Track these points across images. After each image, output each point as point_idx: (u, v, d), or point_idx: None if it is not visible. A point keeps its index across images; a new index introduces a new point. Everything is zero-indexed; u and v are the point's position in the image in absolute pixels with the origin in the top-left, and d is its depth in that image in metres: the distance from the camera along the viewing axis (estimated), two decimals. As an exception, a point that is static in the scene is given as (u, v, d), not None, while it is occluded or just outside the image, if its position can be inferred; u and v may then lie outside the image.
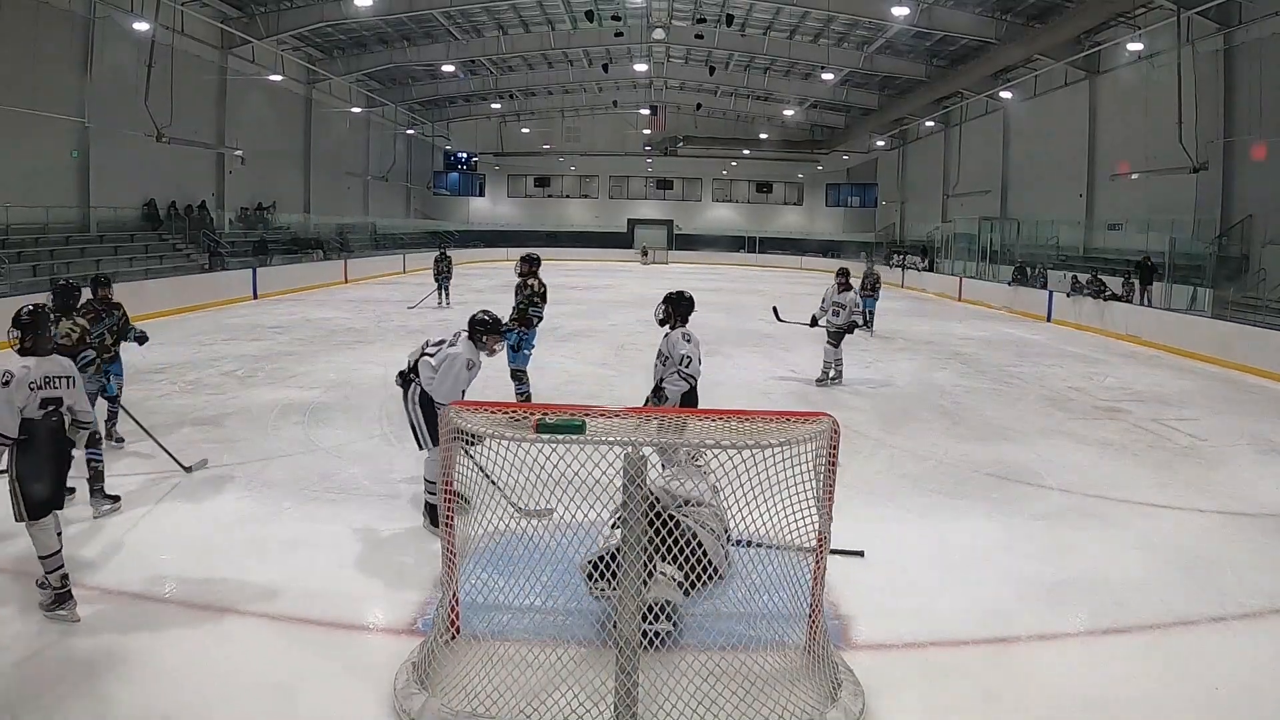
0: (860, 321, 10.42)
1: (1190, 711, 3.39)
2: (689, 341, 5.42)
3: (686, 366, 5.36)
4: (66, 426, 4.03)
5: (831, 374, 10.21)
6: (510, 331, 7.21)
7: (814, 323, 10.31)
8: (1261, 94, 16.04)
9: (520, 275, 7.82)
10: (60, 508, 3.99)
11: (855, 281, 11.36)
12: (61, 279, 6.03)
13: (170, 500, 5.52)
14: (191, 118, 20.06)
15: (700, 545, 3.77)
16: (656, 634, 3.40)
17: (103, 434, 6.31)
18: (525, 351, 7.70)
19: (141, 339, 6.69)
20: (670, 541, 3.36)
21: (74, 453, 4.25)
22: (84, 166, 18.03)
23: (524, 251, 8.22)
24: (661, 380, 5.43)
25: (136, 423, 6.25)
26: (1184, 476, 6.66)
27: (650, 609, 3.48)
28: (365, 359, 11.21)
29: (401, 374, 5.22)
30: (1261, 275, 15.57)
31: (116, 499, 5.26)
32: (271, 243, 24.21)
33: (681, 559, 3.55)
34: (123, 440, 6.71)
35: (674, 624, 3.61)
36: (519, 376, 7.67)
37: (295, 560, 4.59)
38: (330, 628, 3.88)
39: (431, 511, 4.65)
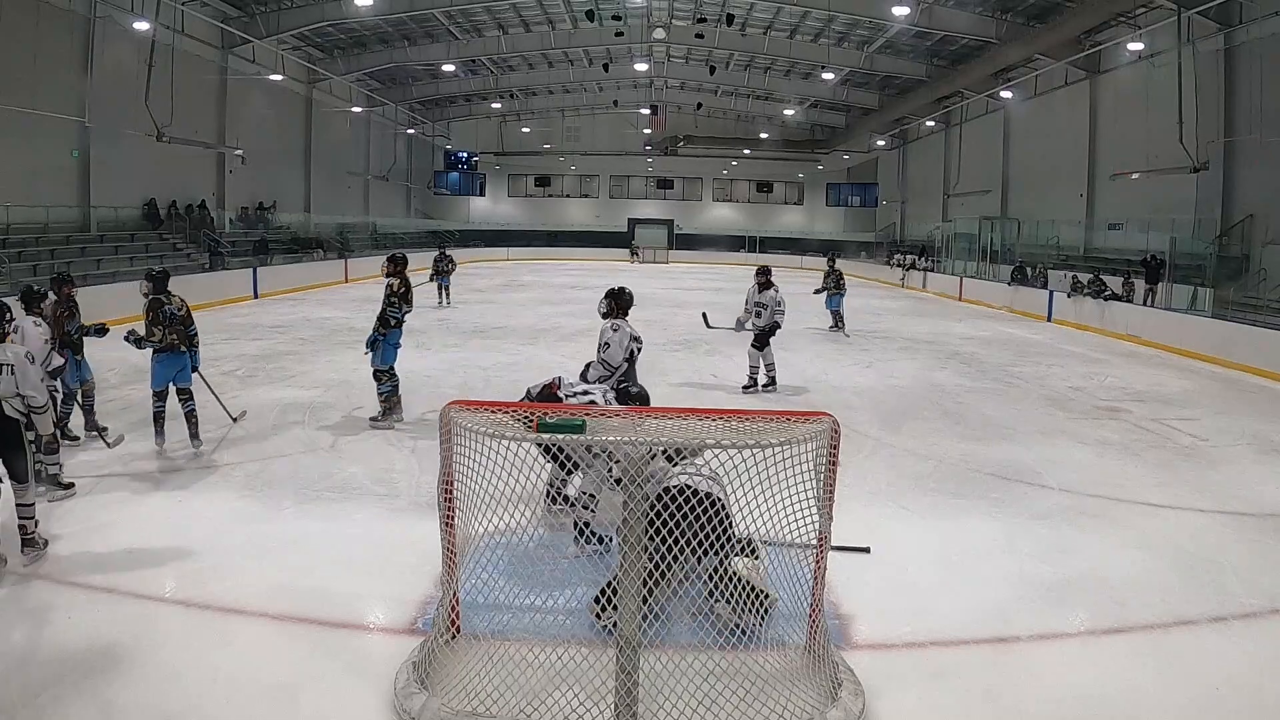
0: (780, 323, 9.60)
1: (1190, 711, 3.39)
2: (615, 331, 5.93)
3: (604, 352, 5.84)
4: (5, 411, 4.34)
5: (762, 380, 9.57)
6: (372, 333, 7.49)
7: (740, 326, 9.84)
8: (1262, 94, 16.04)
9: (385, 275, 7.84)
10: None
11: (784, 279, 10.63)
12: (157, 268, 7.04)
13: (170, 500, 5.52)
14: (192, 117, 20.07)
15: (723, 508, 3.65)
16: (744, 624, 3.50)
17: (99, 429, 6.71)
18: (388, 350, 7.59)
19: (101, 332, 6.92)
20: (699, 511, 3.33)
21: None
22: (84, 166, 18.04)
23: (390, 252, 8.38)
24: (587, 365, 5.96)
25: (201, 378, 6.99)
26: (1184, 476, 6.66)
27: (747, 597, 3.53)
28: (366, 358, 11.18)
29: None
30: (1262, 275, 15.57)
31: (201, 440, 6.66)
32: (272, 242, 24.22)
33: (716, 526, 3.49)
34: (106, 429, 6.83)
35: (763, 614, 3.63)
36: (378, 376, 7.60)
37: (295, 560, 4.59)
38: (330, 627, 3.87)
39: (584, 529, 4.34)
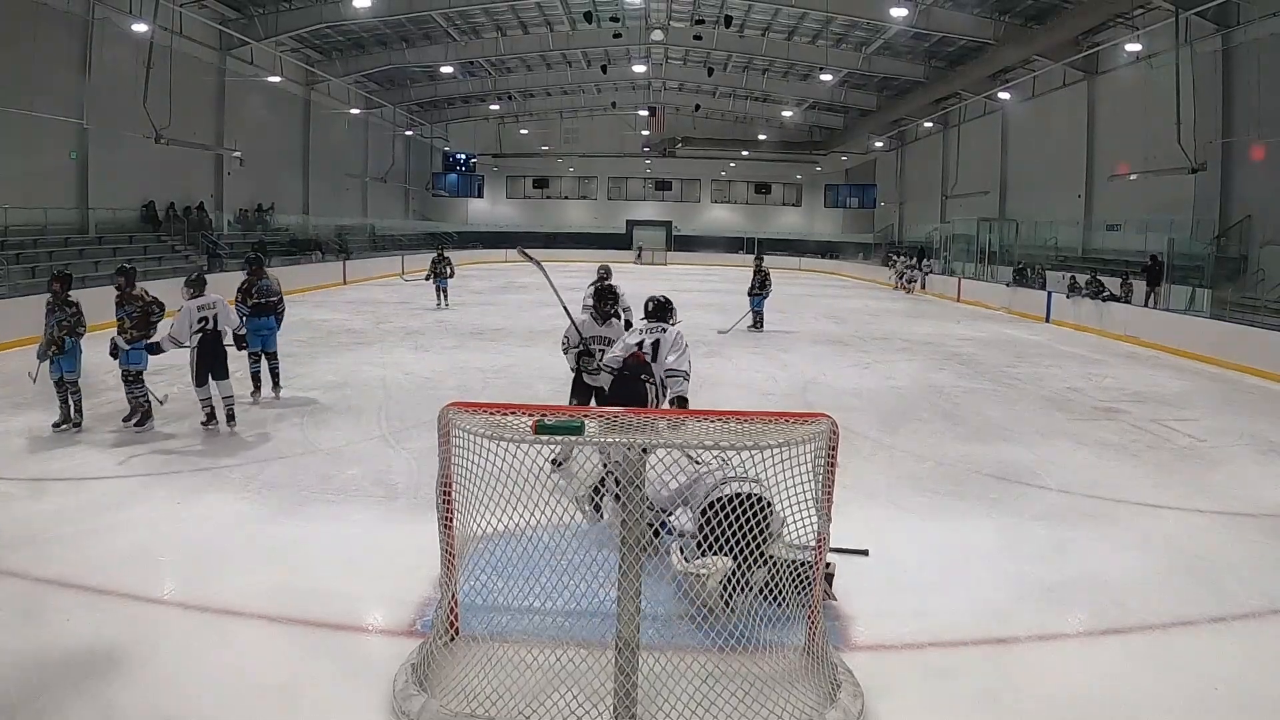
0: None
1: (1189, 711, 3.39)
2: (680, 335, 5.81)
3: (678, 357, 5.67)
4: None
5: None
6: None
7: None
8: (1260, 94, 16.06)
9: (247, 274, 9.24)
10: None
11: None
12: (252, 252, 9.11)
13: (169, 501, 5.51)
14: (190, 119, 20.04)
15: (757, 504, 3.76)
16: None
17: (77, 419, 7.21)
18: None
19: (71, 349, 7.15)
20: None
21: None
22: (83, 168, 18.02)
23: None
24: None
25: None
26: (1183, 477, 6.66)
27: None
28: (364, 360, 11.21)
29: (627, 376, 5.22)
30: (1260, 275, 15.58)
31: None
32: (270, 244, 24.19)
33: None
34: (80, 425, 7.11)
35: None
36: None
37: (295, 561, 4.59)
38: (329, 629, 3.87)
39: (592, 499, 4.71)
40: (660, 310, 5.66)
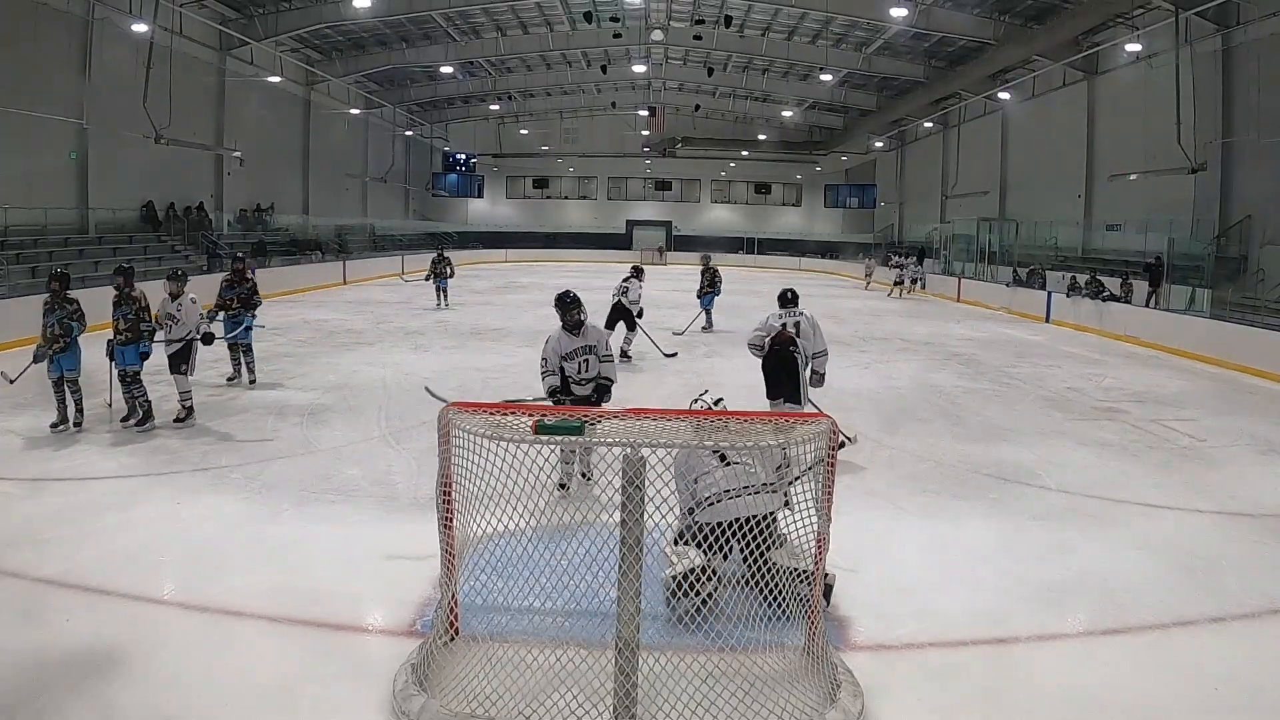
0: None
1: (1190, 711, 3.39)
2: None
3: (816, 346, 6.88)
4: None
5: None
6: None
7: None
8: (1260, 94, 16.06)
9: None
10: None
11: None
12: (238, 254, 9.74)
13: (169, 502, 5.52)
14: (190, 119, 20.05)
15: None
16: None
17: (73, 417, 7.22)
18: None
19: (73, 347, 7.14)
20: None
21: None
22: (82, 168, 18.02)
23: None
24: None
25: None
26: (1183, 477, 6.66)
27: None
28: (364, 360, 11.21)
29: (777, 350, 6.51)
30: (1260, 275, 15.58)
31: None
32: (270, 244, 24.19)
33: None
34: (80, 425, 7.14)
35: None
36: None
37: (295, 561, 4.59)
38: (329, 629, 3.87)
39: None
40: (795, 299, 7.07)
